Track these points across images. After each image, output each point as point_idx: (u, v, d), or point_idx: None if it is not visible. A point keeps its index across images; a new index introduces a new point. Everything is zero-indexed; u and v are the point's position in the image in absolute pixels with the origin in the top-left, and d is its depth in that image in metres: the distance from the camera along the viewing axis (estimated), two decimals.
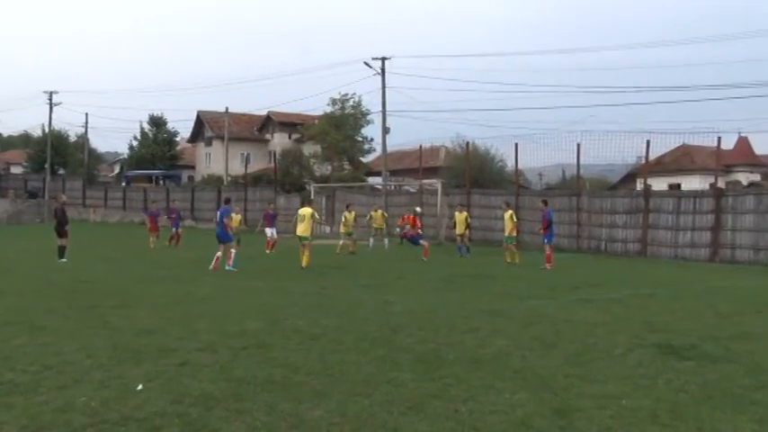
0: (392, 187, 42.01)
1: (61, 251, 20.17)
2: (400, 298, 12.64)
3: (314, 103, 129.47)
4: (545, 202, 21.58)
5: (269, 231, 25.72)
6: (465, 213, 25.07)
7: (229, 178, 54.95)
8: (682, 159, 43.60)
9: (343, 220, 26.45)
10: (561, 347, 8.29)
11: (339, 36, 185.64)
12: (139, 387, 6.26)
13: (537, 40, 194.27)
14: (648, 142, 27.58)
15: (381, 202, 34.67)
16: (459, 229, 24.54)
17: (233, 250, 18.38)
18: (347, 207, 27.60)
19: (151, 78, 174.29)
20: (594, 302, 12.35)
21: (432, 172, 42.06)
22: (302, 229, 19.10)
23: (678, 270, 20.98)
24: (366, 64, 40.22)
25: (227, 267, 17.83)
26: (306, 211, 19.46)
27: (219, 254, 18.19)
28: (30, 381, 6.49)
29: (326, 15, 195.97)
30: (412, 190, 39.33)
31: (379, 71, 40.03)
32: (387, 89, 40.11)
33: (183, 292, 13.16)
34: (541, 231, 20.75)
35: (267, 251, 24.19)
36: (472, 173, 34.98)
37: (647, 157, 28.28)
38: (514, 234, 22.01)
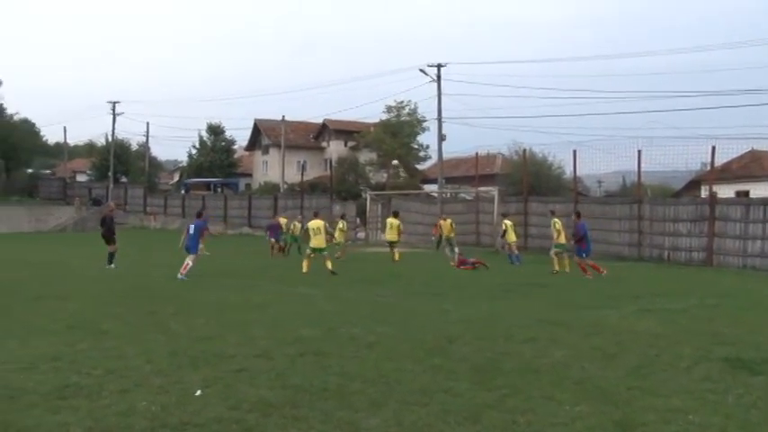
0: (448, 195, 41.84)
1: (110, 257, 20.49)
2: (456, 306, 12.53)
3: (369, 111, 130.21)
4: (578, 215, 21.09)
5: None
6: (506, 220, 25.05)
7: (286, 186, 55.60)
8: (750, 165, 42.08)
9: (389, 227, 25.97)
10: (623, 359, 8.06)
11: (394, 43, 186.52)
12: (198, 393, 6.33)
13: (597, 44, 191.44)
14: (714, 148, 26.72)
15: (437, 210, 34.54)
16: (510, 237, 24.50)
17: (190, 262, 17.94)
18: (395, 215, 27.44)
19: (210, 88, 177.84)
20: (657, 313, 11.98)
21: (488, 179, 41.78)
22: (318, 242, 19.53)
23: (747, 280, 20.21)
24: (422, 71, 40.26)
25: (179, 276, 17.46)
26: (317, 223, 19.90)
27: (189, 261, 18.05)
28: (94, 384, 6.64)
29: (382, 23, 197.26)
30: (468, 198, 39.08)
31: (435, 78, 39.99)
32: (443, 96, 40.11)
33: (239, 299, 13.31)
34: (574, 243, 20.24)
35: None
36: (529, 180, 34.58)
37: (712, 163, 27.42)
38: (563, 242, 21.50)
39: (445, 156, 42.64)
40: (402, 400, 6.18)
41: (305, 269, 19.23)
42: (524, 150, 37.64)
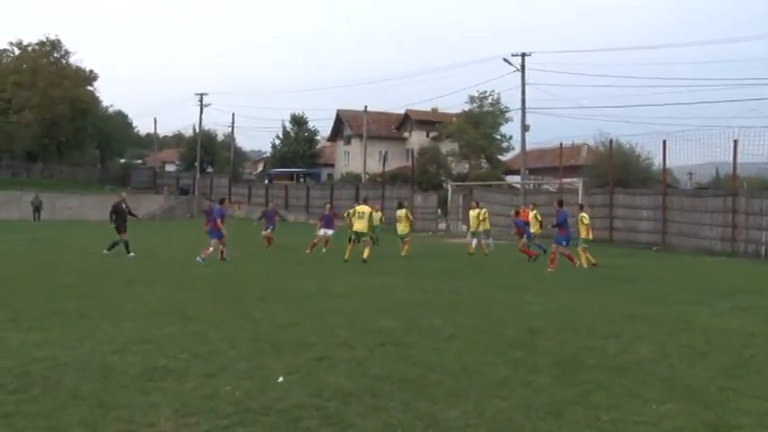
0: (531, 186, 41.21)
1: (114, 245, 20.53)
2: (537, 299, 12.33)
3: (452, 101, 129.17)
4: (560, 203, 20.25)
5: (322, 231, 23.84)
6: (534, 211, 23.99)
7: (367, 176, 55.96)
8: None
9: (474, 217, 25.25)
10: (714, 358, 7.72)
11: (478, 33, 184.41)
12: (280, 379, 6.43)
13: (690, 31, 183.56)
14: None
15: (520, 202, 34.05)
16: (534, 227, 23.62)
17: (212, 248, 19.24)
18: (477, 204, 26.66)
19: (294, 79, 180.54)
20: (752, 311, 11.42)
21: (572, 170, 40.86)
22: (361, 226, 20.04)
23: None
24: (505, 60, 39.69)
25: (197, 259, 18.58)
26: (365, 208, 20.51)
27: (223, 248, 19.42)
28: (181, 367, 6.85)
29: (465, 12, 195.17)
30: (551, 189, 38.37)
31: (519, 68, 39.36)
32: (526, 86, 39.42)
33: (319, 288, 13.47)
34: (558, 231, 19.42)
35: (308, 251, 22.69)
36: (615, 172, 33.64)
37: None
38: (590, 237, 20.50)
39: (529, 146, 41.98)
40: (482, 393, 6.11)
41: (347, 255, 19.60)
42: (611, 141, 36.62)
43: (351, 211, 22.31)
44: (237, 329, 8.83)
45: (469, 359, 7.36)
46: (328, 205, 25.96)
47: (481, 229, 24.46)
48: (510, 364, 7.21)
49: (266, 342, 8.06)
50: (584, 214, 20.61)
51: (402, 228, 22.63)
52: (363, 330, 8.89)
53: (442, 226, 40.63)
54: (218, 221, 19.53)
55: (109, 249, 20.56)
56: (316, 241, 23.45)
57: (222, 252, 19.53)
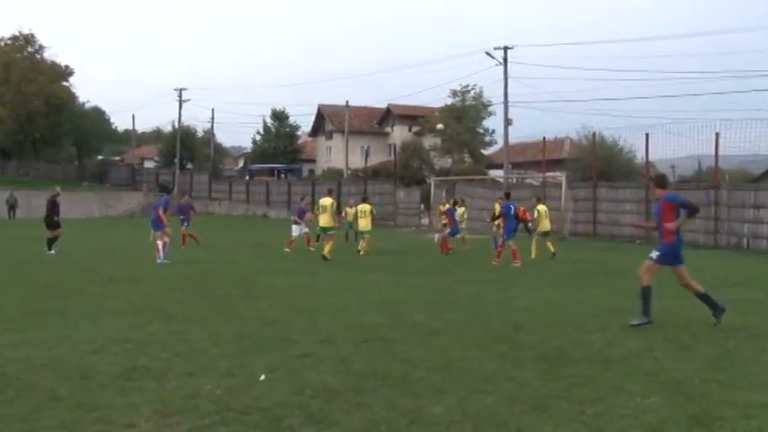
0: (514, 180, 41.33)
1: (50, 242, 20.08)
2: (523, 293, 12.33)
3: (434, 95, 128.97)
4: (507, 196, 20.36)
5: (296, 229, 23.06)
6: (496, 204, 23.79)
7: (349, 171, 55.84)
8: None
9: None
10: (698, 350, 7.73)
11: (460, 26, 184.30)
12: (262, 377, 6.36)
13: (671, 23, 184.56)
14: None
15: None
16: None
17: (160, 242, 17.64)
18: (449, 200, 26.33)
19: (274, 74, 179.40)
20: (735, 303, 11.38)
21: (556, 164, 41.03)
22: (326, 221, 19.30)
23: None
24: (488, 54, 39.72)
25: (158, 261, 17.24)
26: (327, 201, 19.77)
27: (167, 240, 17.93)
28: (162, 367, 6.74)
29: (446, 5, 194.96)
30: (535, 183, 38.48)
31: (501, 61, 39.40)
32: (509, 79, 39.51)
33: (305, 285, 13.41)
34: (500, 225, 19.81)
35: (286, 249, 21.85)
36: (598, 165, 33.78)
37: None
38: (547, 228, 20.81)
39: (511, 140, 42.11)
40: (467, 388, 6.07)
41: (326, 252, 18.70)
42: (594, 134, 36.78)
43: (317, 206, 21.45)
44: (220, 327, 8.74)
45: (454, 355, 7.33)
46: (308, 197, 25.44)
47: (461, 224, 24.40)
48: (495, 359, 7.18)
49: (249, 340, 7.97)
50: (539, 207, 20.93)
51: (364, 223, 21.42)
52: (348, 327, 8.83)
53: (425, 221, 40.63)
54: (160, 211, 17.82)
55: (49, 249, 19.95)
56: (292, 239, 22.75)
57: (164, 245, 17.64)
